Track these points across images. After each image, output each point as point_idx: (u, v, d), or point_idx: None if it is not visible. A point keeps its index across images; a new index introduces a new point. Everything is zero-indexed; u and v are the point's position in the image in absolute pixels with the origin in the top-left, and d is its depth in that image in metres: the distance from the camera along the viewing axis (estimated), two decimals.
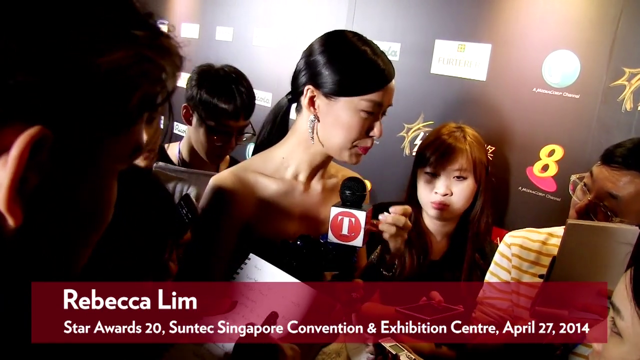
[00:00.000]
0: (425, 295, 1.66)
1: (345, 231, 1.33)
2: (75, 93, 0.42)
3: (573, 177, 1.57)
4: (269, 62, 3.28)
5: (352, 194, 1.35)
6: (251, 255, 1.29)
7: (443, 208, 1.87)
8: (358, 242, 1.33)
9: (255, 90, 3.37)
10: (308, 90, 1.40)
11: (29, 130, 0.40)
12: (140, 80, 0.46)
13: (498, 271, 1.72)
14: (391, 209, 1.44)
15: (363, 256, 1.63)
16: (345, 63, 1.38)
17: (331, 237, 1.34)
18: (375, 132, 1.41)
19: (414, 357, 1.43)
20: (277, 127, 1.54)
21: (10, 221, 0.42)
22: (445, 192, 1.85)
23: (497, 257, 1.74)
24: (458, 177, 1.85)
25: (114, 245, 0.83)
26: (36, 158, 0.41)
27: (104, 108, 0.44)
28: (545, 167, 1.99)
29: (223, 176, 1.45)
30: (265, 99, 3.29)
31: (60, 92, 0.42)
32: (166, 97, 0.50)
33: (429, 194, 1.88)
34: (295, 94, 1.47)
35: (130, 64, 0.45)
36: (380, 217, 1.43)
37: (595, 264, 1.35)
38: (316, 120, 1.41)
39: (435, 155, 1.87)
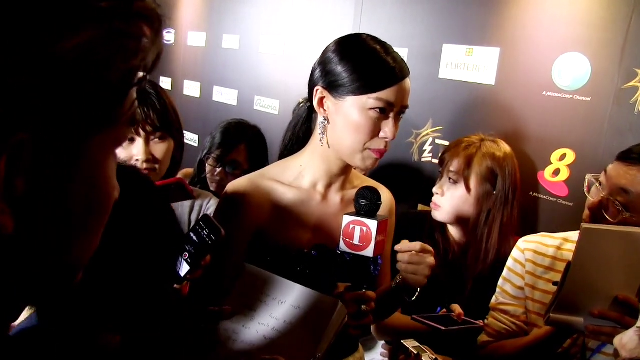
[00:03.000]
0: (446, 307, 1.63)
1: (356, 240, 1.31)
2: (41, 89, 0.38)
3: (588, 176, 1.55)
4: (276, 70, 3.28)
5: (365, 203, 1.32)
6: (245, 265, 1.27)
7: (436, 208, 1.91)
8: (368, 252, 1.30)
9: (262, 98, 3.39)
10: (317, 91, 1.39)
11: (1, 139, 0.38)
12: (114, 57, 0.42)
13: (511, 277, 1.69)
14: (396, 248, 1.42)
15: (387, 274, 1.61)
16: (353, 61, 1.35)
17: (342, 246, 1.32)
18: (387, 132, 1.36)
19: (435, 357, 1.40)
20: (298, 135, 1.52)
21: (2, 229, 0.40)
22: (436, 190, 1.91)
23: (510, 263, 1.71)
24: (450, 179, 1.88)
25: (112, 253, 0.81)
26: (18, 163, 0.39)
27: (80, 97, 0.41)
28: (556, 172, 1.96)
29: (239, 182, 1.45)
30: (272, 107, 3.28)
31: (24, 91, 0.38)
32: (152, 67, 0.46)
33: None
34: (310, 99, 1.45)
35: (99, 44, 0.41)
36: (396, 248, 1.42)
37: (612, 269, 1.32)
38: (326, 122, 1.39)
39: (444, 153, 1.94)
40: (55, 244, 0.45)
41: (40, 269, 0.45)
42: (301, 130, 1.51)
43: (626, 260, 1.31)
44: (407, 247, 1.41)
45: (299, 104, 1.54)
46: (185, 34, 4.19)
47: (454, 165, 1.86)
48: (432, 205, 1.92)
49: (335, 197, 1.47)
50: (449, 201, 1.88)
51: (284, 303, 1.21)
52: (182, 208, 1.78)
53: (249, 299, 1.23)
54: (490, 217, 1.86)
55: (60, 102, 0.40)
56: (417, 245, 1.41)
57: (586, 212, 1.53)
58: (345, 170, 1.46)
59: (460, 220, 1.90)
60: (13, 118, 0.38)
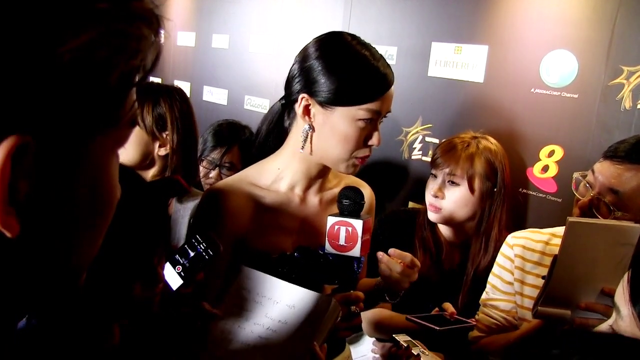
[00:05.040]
0: (438, 305, 1.63)
1: (342, 241, 1.30)
2: (41, 92, 0.39)
3: (575, 175, 1.56)
4: (266, 69, 3.28)
5: (349, 203, 1.31)
6: (241, 267, 1.28)
7: (435, 210, 1.88)
8: (355, 252, 1.30)
9: (252, 97, 3.39)
10: (303, 99, 1.35)
11: (4, 142, 0.38)
12: (114, 59, 0.42)
13: (501, 272, 1.71)
14: (390, 251, 1.42)
15: (364, 269, 1.61)
16: (343, 71, 1.32)
17: (328, 247, 1.31)
18: (374, 140, 1.36)
19: (427, 353, 1.42)
20: (271, 134, 1.49)
21: (8, 233, 0.40)
22: (435, 193, 1.86)
23: (499, 259, 1.73)
24: (450, 182, 1.85)
25: (102, 250, 0.81)
26: (21, 166, 0.39)
27: (81, 99, 0.41)
28: (545, 168, 1.98)
29: (217, 187, 1.41)
30: (262, 106, 3.28)
31: (24, 94, 0.38)
32: (152, 66, 0.46)
33: (427, 195, 1.90)
34: (288, 101, 1.42)
35: (99, 45, 0.40)
36: (379, 255, 1.41)
37: (597, 262, 1.33)
38: (311, 130, 1.36)
39: (437, 155, 1.89)
40: (60, 245, 0.45)
41: (45, 270, 0.45)
42: (276, 128, 1.48)
43: (612, 253, 1.32)
44: (399, 255, 1.41)
45: None
46: (174, 33, 4.17)
47: (456, 168, 1.82)
48: (429, 207, 1.89)
49: (313, 199, 1.46)
50: (451, 203, 1.85)
51: (279, 303, 1.21)
52: (183, 210, 1.77)
53: (244, 300, 1.24)
54: (491, 213, 1.86)
55: (62, 104, 0.40)
56: (407, 257, 1.41)
57: (576, 211, 1.53)
58: (324, 172, 1.45)
59: (455, 220, 1.90)
60: (16, 121, 0.38)
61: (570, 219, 1.33)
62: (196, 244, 1.16)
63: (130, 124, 0.47)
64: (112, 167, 0.48)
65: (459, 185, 1.84)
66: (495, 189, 1.85)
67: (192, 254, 1.16)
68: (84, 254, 0.48)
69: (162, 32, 0.48)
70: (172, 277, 1.15)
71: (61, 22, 0.39)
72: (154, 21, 0.46)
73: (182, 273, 1.15)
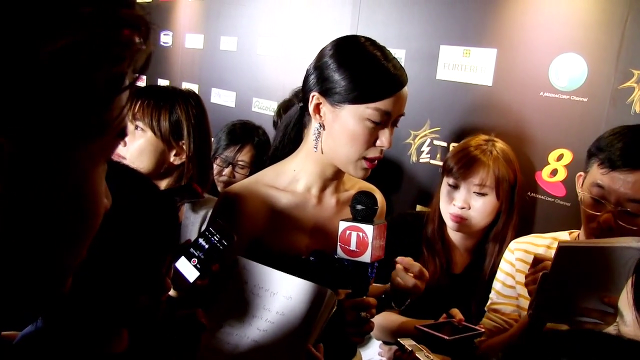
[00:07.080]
0: (446, 311, 1.62)
1: (353, 246, 1.29)
2: (20, 93, 0.38)
3: (584, 193, 1.55)
4: (274, 71, 3.28)
5: (362, 208, 1.30)
6: (238, 257, 1.27)
7: (460, 221, 1.83)
8: (366, 257, 1.28)
9: (260, 100, 3.40)
10: (314, 97, 1.36)
11: None
12: (96, 64, 0.41)
13: (503, 277, 1.72)
14: (398, 260, 1.43)
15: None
16: (352, 68, 1.32)
17: (339, 252, 1.30)
18: (384, 142, 1.35)
19: (431, 357, 1.41)
20: (289, 136, 1.49)
21: None
22: (462, 205, 1.81)
23: (502, 264, 1.73)
24: (478, 192, 1.80)
25: (109, 257, 0.81)
26: None
27: (61, 103, 0.40)
28: (554, 172, 1.97)
29: (234, 189, 1.42)
30: (270, 108, 3.28)
31: (2, 95, 0.37)
32: (139, 72, 0.45)
33: (448, 205, 1.85)
34: (305, 100, 1.42)
35: (79, 49, 0.40)
36: (397, 260, 1.43)
37: (593, 277, 1.31)
38: (322, 129, 1.37)
39: (458, 166, 1.83)
40: (41, 251, 0.44)
41: (24, 273, 0.44)
42: (292, 131, 1.48)
43: (609, 270, 1.29)
44: (406, 264, 1.41)
45: (285, 101, 1.52)
46: (182, 36, 4.19)
47: (486, 178, 1.78)
48: (453, 218, 1.83)
49: (330, 199, 1.46)
50: (479, 214, 1.81)
51: (276, 294, 1.21)
52: (194, 217, 1.77)
53: (242, 292, 1.23)
54: (510, 216, 1.84)
55: (40, 107, 0.39)
56: (415, 267, 1.41)
57: (594, 226, 1.49)
58: (339, 173, 1.45)
59: (477, 228, 1.87)
60: None
61: (561, 243, 1.32)
62: (210, 235, 1.18)
63: (119, 134, 0.46)
64: (97, 177, 0.47)
65: (486, 194, 1.80)
66: (514, 191, 1.83)
67: (206, 246, 1.17)
68: (66, 259, 0.47)
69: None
70: (188, 270, 1.16)
71: (40, 25, 0.38)
72: (142, 28, 0.45)
73: (197, 265, 1.16)
